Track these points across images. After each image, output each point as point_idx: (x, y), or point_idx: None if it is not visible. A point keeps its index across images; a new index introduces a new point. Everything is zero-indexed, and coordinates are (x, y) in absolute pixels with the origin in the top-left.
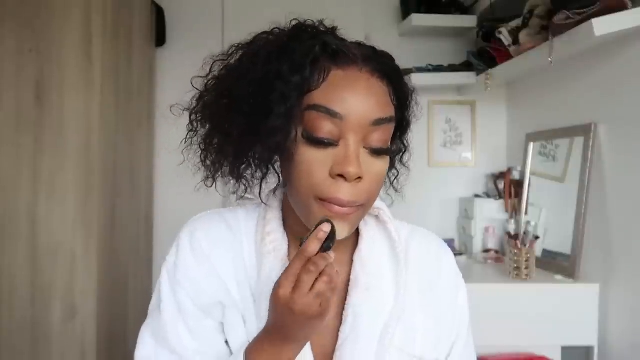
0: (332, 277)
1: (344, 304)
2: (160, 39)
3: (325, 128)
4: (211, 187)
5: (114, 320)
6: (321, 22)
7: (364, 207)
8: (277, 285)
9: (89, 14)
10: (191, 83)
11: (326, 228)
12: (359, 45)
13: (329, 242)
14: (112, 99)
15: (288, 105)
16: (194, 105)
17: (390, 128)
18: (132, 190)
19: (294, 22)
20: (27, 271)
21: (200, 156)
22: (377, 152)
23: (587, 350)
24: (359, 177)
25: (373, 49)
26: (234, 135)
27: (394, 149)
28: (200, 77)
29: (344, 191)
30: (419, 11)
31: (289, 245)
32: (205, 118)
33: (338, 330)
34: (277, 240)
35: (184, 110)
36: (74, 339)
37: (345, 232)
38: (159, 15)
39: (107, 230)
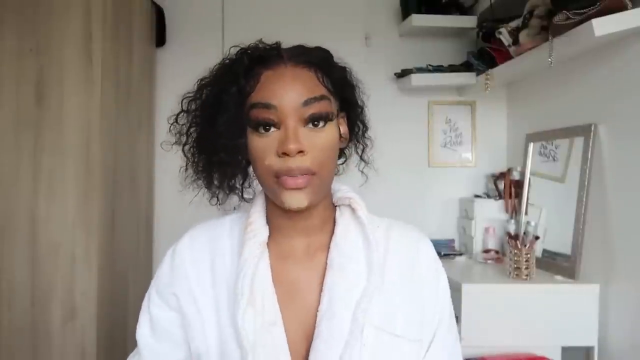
0: None
1: (322, 285)
2: (160, 39)
3: (266, 118)
4: (215, 204)
5: (114, 320)
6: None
7: (317, 175)
8: None
9: (89, 14)
10: (172, 120)
11: None
12: (298, 47)
13: None
14: (112, 99)
15: (229, 117)
16: (183, 139)
17: (326, 104)
18: (132, 190)
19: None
20: (27, 271)
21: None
22: (312, 122)
23: (587, 351)
24: (301, 151)
25: (304, 47)
26: (207, 153)
27: (329, 113)
28: (180, 111)
29: (290, 163)
30: (419, 11)
31: (269, 236)
32: (191, 149)
33: (317, 310)
34: (258, 229)
35: (173, 144)
36: (73, 339)
37: (304, 202)
38: (159, 15)
39: (107, 230)
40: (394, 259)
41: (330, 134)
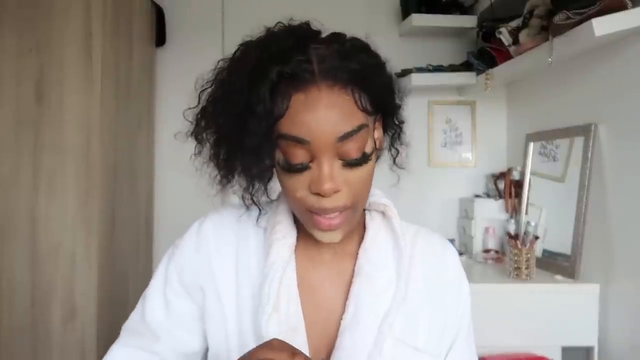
0: None
1: (348, 293)
2: (160, 39)
3: (296, 154)
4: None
5: (114, 320)
6: (291, 26)
7: (351, 208)
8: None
9: (89, 13)
10: (183, 114)
11: None
12: (328, 45)
13: None
14: (112, 98)
15: (257, 141)
16: (194, 129)
17: (363, 134)
18: (132, 190)
19: (264, 33)
20: (27, 271)
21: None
22: (351, 165)
23: (587, 351)
24: (337, 191)
25: (338, 52)
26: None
27: (370, 153)
28: (192, 108)
29: (326, 203)
30: (419, 11)
31: (297, 237)
32: (205, 139)
33: (341, 318)
34: (286, 229)
35: (187, 134)
36: (74, 339)
37: (338, 237)
38: (159, 15)
39: (107, 230)
40: (419, 266)
41: (367, 168)
